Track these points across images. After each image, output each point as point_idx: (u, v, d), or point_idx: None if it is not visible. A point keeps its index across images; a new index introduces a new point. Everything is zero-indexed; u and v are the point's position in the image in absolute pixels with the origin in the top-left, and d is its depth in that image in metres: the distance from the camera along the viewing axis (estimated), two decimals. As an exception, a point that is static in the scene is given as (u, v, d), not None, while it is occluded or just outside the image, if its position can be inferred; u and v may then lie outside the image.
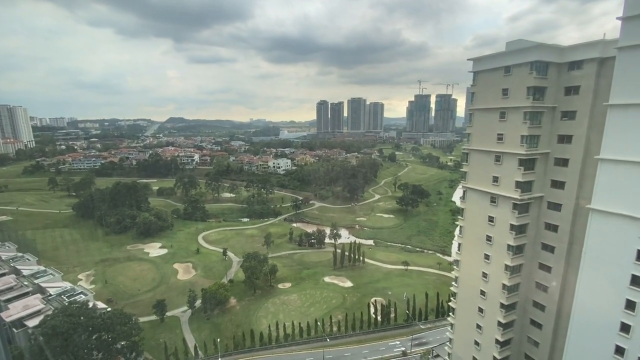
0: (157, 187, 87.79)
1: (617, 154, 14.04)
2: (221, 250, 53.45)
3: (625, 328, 13.91)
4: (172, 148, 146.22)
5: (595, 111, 16.55)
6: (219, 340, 30.58)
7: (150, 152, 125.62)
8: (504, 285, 18.71)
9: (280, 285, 42.69)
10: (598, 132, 15.88)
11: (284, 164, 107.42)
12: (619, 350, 14.05)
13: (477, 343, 21.20)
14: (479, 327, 20.93)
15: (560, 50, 18.05)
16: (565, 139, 17.76)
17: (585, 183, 16.62)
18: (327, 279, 45.67)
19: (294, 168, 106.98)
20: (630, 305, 13.72)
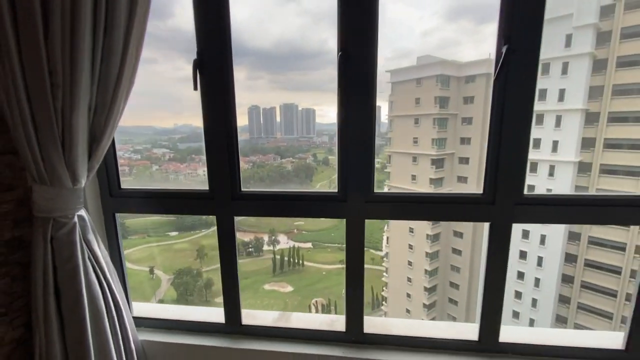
0: (61, 205, 74.37)
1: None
2: (147, 269, 49.15)
3: (520, 276, 17.30)
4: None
5: (486, 117, 20.03)
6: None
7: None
8: (425, 270, 21.28)
9: (217, 299, 40.81)
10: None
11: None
12: (518, 295, 17.47)
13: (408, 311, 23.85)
14: (407, 311, 23.33)
15: (458, 66, 21.37)
16: (465, 140, 21.10)
17: (482, 177, 20.08)
18: (267, 287, 45.45)
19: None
20: (522, 255, 17.19)
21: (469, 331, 1.23)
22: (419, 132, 22.67)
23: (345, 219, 1.20)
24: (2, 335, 1.20)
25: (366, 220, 1.17)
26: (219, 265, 1.36)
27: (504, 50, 0.97)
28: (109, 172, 1.31)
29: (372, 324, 1.29)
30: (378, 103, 1.10)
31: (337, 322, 1.33)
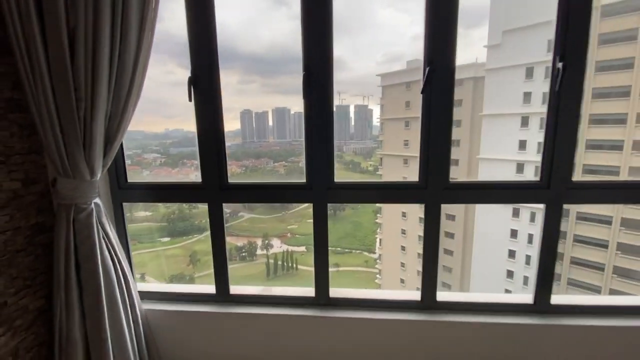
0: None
1: (490, 154, 17.95)
2: (138, 277, 48.57)
3: (511, 254, 17.83)
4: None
5: (474, 120, 20.78)
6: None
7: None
8: (418, 271, 21.68)
9: (210, 306, 40.43)
10: (477, 136, 20.23)
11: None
12: (510, 275, 17.97)
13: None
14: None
15: (446, 70, 22.14)
16: (455, 142, 21.77)
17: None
18: (261, 292, 45.80)
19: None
20: (513, 234, 17.72)
21: (414, 295, 1.53)
22: (409, 134, 23.39)
23: (312, 204, 1.49)
24: (27, 304, 1.46)
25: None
26: (211, 270, 1.64)
27: (427, 70, 1.28)
28: (117, 168, 1.58)
29: (337, 291, 1.58)
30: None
31: (308, 291, 1.62)
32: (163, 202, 1.60)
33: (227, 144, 1.57)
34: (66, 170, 1.34)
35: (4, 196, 1.36)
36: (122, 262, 1.49)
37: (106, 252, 1.44)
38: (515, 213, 16.53)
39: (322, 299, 1.56)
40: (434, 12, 1.28)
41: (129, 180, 1.60)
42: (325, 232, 1.51)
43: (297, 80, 1.39)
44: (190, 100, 1.46)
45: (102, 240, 1.43)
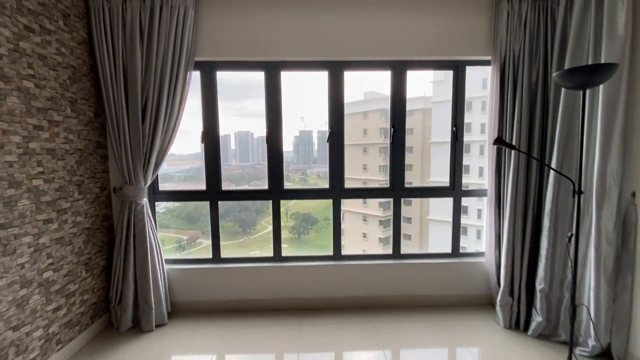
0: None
1: (438, 178, 20.55)
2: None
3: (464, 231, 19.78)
4: None
5: (424, 147, 23.67)
6: None
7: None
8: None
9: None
10: (427, 162, 23.04)
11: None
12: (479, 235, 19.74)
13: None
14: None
15: (399, 101, 25.16)
16: (408, 167, 24.36)
17: (424, 201, 23.27)
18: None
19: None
20: (464, 210, 19.79)
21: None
22: (367, 159, 25.86)
23: (271, 202, 2.72)
24: (99, 261, 2.48)
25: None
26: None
27: (329, 130, 2.62)
28: (153, 182, 2.69)
29: (287, 252, 2.78)
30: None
31: (268, 254, 2.80)
32: (180, 201, 2.73)
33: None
34: (131, 180, 2.45)
35: (91, 197, 2.42)
36: (157, 238, 2.58)
37: (149, 231, 2.52)
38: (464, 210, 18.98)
39: (277, 258, 2.75)
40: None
41: (160, 188, 2.72)
42: (278, 214, 2.73)
43: (259, 105, 2.64)
44: (202, 142, 2.66)
45: (147, 224, 2.51)
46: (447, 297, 2.76)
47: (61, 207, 2.12)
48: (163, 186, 2.79)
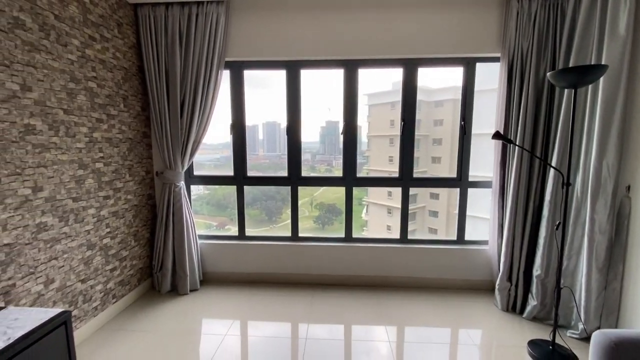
0: None
1: (477, 172, 20.00)
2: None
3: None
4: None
5: (454, 139, 23.02)
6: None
7: None
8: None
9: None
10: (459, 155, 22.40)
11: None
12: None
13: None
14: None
15: (429, 92, 24.25)
16: (436, 160, 23.88)
17: (452, 194, 22.76)
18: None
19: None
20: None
21: (341, 234, 3.08)
22: (393, 151, 25.54)
23: (290, 187, 3.05)
24: (144, 234, 2.95)
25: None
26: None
27: (343, 124, 2.89)
28: (189, 167, 3.11)
29: (303, 232, 3.12)
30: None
31: (288, 233, 3.15)
32: (211, 184, 3.13)
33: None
34: (171, 165, 2.87)
35: (139, 179, 2.87)
36: (192, 216, 3.00)
37: (186, 210, 2.95)
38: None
39: (295, 238, 3.11)
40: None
41: (194, 174, 3.14)
42: (296, 199, 3.06)
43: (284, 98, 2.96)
44: (230, 133, 3.03)
45: (184, 203, 2.94)
46: (451, 281, 2.98)
47: (116, 187, 2.58)
48: (197, 172, 3.20)
